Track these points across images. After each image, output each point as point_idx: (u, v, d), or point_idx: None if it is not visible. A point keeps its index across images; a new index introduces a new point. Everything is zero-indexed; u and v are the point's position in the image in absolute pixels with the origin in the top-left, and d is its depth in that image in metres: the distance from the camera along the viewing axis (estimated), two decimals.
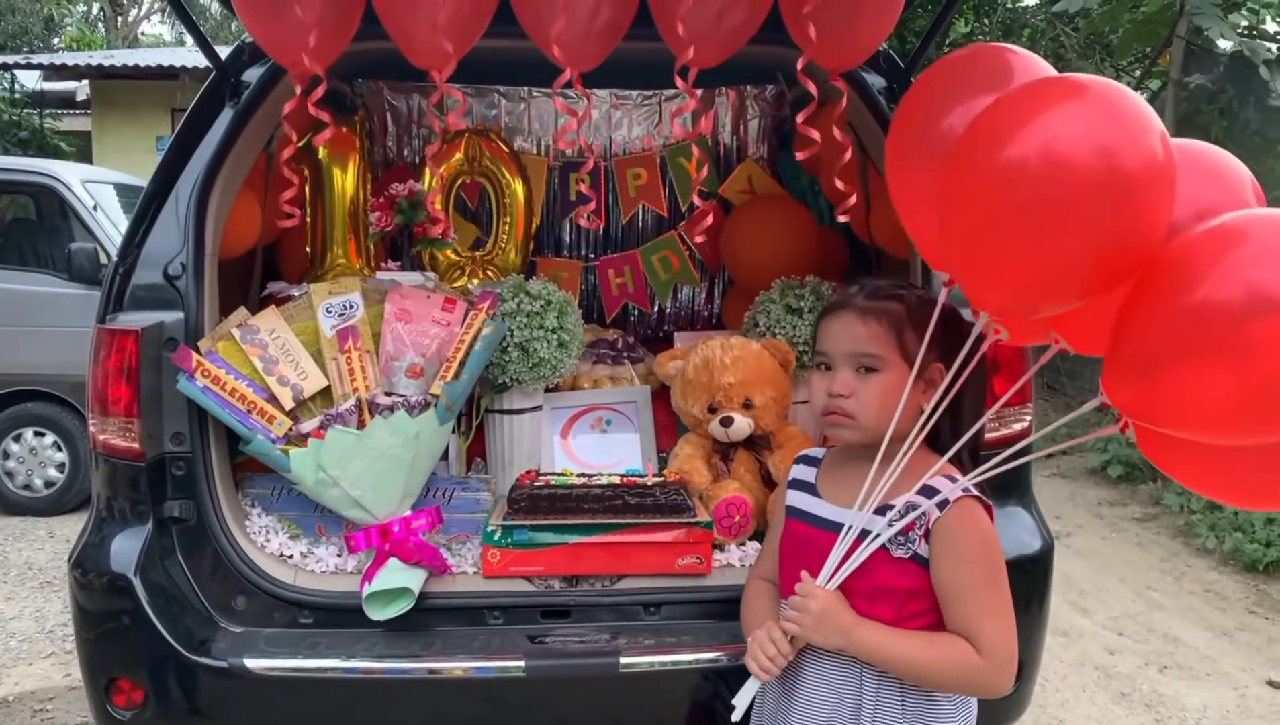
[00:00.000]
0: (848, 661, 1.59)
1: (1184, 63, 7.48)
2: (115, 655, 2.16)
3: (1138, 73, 8.28)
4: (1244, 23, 7.45)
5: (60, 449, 5.80)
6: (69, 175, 5.99)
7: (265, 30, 2.07)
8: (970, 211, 1.41)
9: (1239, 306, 1.22)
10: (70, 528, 5.58)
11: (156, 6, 22.10)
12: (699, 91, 3.40)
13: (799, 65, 2.04)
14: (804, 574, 1.60)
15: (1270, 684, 3.83)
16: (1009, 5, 10.68)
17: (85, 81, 13.79)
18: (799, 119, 2.05)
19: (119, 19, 22.35)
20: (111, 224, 5.86)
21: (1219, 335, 1.23)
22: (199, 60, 11.96)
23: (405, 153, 3.45)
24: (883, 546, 1.57)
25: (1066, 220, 1.30)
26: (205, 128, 2.40)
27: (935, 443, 1.62)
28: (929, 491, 1.56)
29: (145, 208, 2.34)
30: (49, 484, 5.85)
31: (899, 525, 1.57)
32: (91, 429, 2.25)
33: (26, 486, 5.84)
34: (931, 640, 1.55)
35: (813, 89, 2.02)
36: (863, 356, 1.64)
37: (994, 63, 1.59)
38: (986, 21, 10.70)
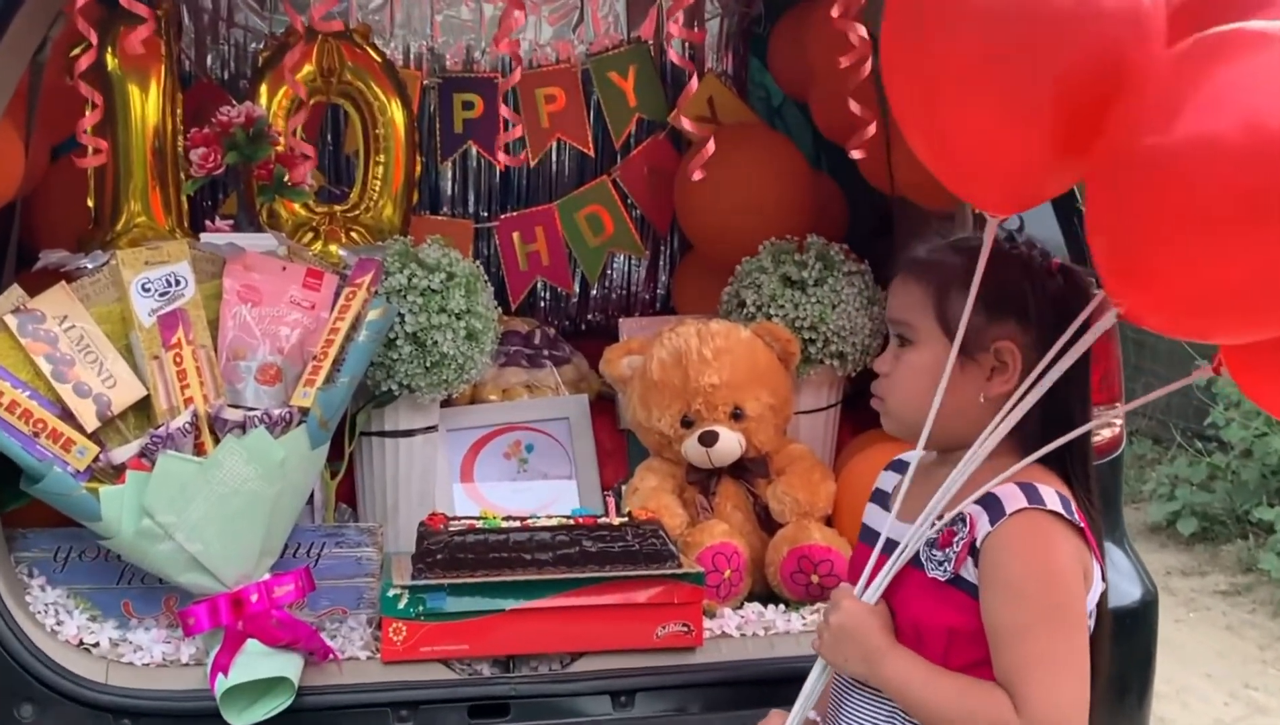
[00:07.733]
0: (891, 713, 1.73)
1: None
2: None
3: None
4: None
5: None
6: None
7: None
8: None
9: None
10: None
11: None
12: None
13: None
14: (842, 583, 1.80)
15: None
16: None
17: None
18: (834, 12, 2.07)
19: None
20: None
21: None
22: None
23: (209, 63, 3.48)
24: (920, 568, 1.70)
25: None
26: None
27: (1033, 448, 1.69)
28: (991, 501, 1.64)
29: None
30: None
31: (927, 533, 1.69)
32: None
33: None
34: (966, 688, 1.65)
35: None
36: (897, 325, 1.83)
37: None
38: None
